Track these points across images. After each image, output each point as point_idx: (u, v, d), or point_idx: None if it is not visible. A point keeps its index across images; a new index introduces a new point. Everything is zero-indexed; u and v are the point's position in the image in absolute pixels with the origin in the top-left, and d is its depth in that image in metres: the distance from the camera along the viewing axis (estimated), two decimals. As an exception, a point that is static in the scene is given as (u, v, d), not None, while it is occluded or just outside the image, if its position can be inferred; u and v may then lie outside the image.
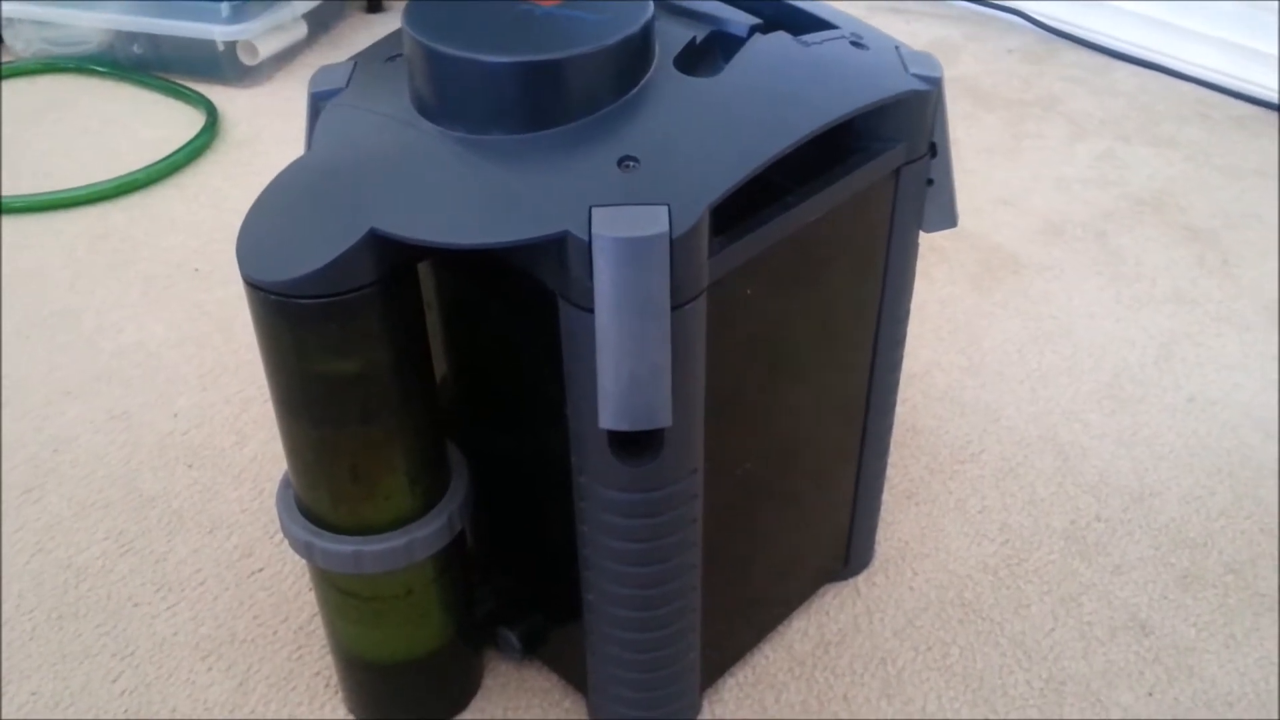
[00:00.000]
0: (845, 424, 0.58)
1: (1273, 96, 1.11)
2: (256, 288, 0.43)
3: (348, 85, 0.49)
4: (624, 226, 0.40)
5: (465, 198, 0.42)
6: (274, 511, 0.69)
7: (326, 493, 0.49)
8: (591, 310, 0.42)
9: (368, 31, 1.28)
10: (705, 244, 0.42)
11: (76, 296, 0.87)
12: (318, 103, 0.49)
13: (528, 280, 0.44)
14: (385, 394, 0.46)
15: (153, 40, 1.14)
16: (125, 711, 0.58)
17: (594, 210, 0.40)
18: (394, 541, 0.49)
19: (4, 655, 0.61)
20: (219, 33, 1.11)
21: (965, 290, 0.87)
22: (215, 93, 1.13)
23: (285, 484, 0.52)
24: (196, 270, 0.91)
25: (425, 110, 0.45)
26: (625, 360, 0.41)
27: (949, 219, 0.53)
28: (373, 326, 0.44)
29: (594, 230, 0.40)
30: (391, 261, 0.43)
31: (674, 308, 0.41)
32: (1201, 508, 0.69)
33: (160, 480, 0.72)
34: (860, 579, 0.65)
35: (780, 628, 0.62)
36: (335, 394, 0.45)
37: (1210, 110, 1.11)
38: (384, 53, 0.50)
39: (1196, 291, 0.87)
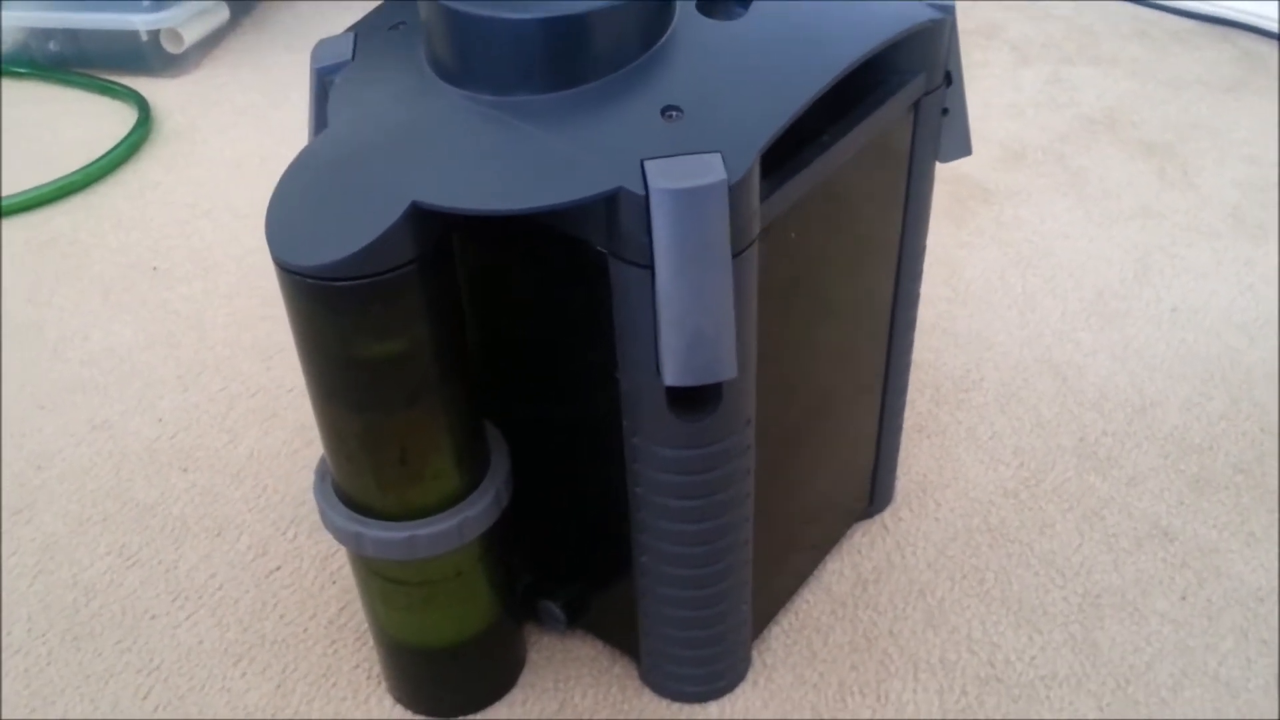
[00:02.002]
0: (870, 361, 0.58)
1: (1207, 9, 1.13)
2: (293, 273, 0.41)
3: (354, 57, 0.47)
4: (680, 177, 0.39)
5: (507, 162, 0.41)
6: (282, 507, 0.67)
7: (373, 480, 0.47)
8: (647, 266, 0.41)
9: (290, 11, 1.24)
10: (757, 189, 0.41)
11: (34, 307, 0.83)
12: (324, 78, 0.47)
13: (568, 242, 0.43)
14: (430, 372, 0.45)
15: (71, 35, 1.09)
16: (164, 727, 0.56)
17: (646, 163, 0.39)
18: (446, 523, 0.48)
19: (24, 682, 0.58)
20: (141, 22, 1.06)
21: (940, 223, 0.87)
22: (143, 85, 1.09)
23: (322, 475, 0.50)
24: (155, 269, 0.87)
25: (447, 75, 0.43)
26: (690, 314, 0.41)
27: (964, 147, 0.53)
28: (416, 304, 0.43)
29: (650, 183, 0.39)
30: (433, 235, 0.42)
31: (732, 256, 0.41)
32: (1201, 414, 0.70)
33: (156, 487, 0.69)
34: (886, 515, 0.65)
35: (816, 571, 0.62)
36: (380, 377, 0.44)
37: (1147, 27, 1.13)
38: (384, 22, 0.49)
39: (1162, 204, 0.88)
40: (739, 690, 0.57)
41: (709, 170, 0.39)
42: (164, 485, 0.69)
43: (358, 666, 0.59)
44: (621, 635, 0.58)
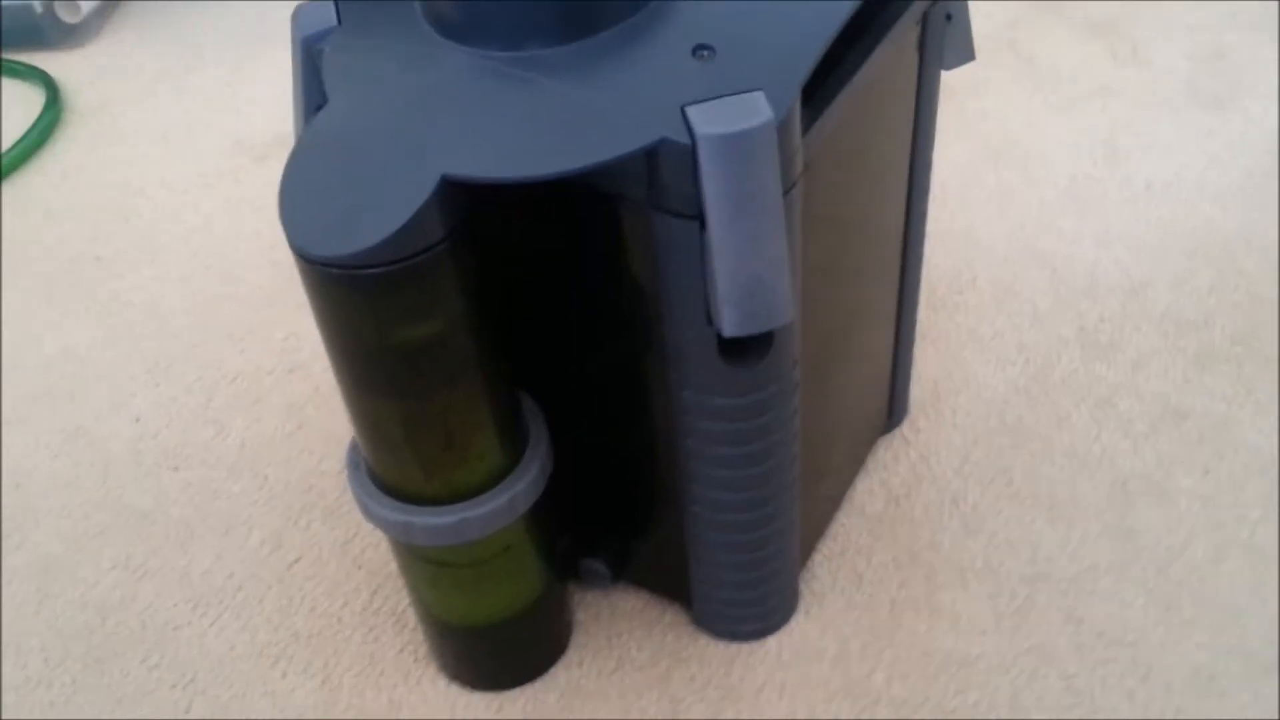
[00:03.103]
0: (888, 278, 0.57)
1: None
2: (317, 263, 0.39)
3: (340, 22, 0.43)
4: (726, 121, 0.37)
5: (535, 123, 0.38)
6: (288, 496, 0.65)
7: (418, 467, 0.45)
8: (693, 217, 0.39)
9: (184, -35, 1.16)
10: (799, 125, 0.39)
11: (-25, 316, 0.79)
12: (310, 47, 0.43)
13: (601, 197, 0.41)
14: (468, 350, 0.43)
15: (-44, 15, 1.02)
16: (213, 740, 0.54)
17: (688, 109, 0.37)
18: (496, 501, 0.46)
19: (55, 714, 0.56)
20: (32, -7, 0.99)
21: (902, 122, 0.86)
22: (43, 60, 1.02)
23: (354, 465, 0.48)
24: (98, 259, 0.83)
25: (454, 34, 0.41)
26: (745, 262, 0.39)
27: (968, 53, 0.52)
28: (451, 283, 0.40)
29: (696, 130, 0.37)
30: (462, 208, 0.39)
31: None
32: (1190, 290, 0.71)
33: (149, 491, 0.66)
34: (904, 428, 0.65)
35: (847, 493, 0.62)
36: (418, 361, 0.42)
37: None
38: (363, -21, 0.45)
39: (1118, 83, 0.88)
40: (793, 622, 0.56)
41: (755, 110, 0.37)
42: (157, 488, 0.66)
43: (402, 650, 0.57)
44: (668, 583, 0.57)
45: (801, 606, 0.57)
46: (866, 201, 0.51)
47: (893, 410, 0.64)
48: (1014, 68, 0.91)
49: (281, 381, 0.72)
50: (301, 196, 0.39)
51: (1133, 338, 0.69)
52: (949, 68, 0.52)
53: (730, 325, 0.40)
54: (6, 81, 1.01)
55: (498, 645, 0.54)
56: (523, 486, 0.47)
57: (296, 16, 0.44)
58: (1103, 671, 0.53)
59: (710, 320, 0.41)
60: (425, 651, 0.57)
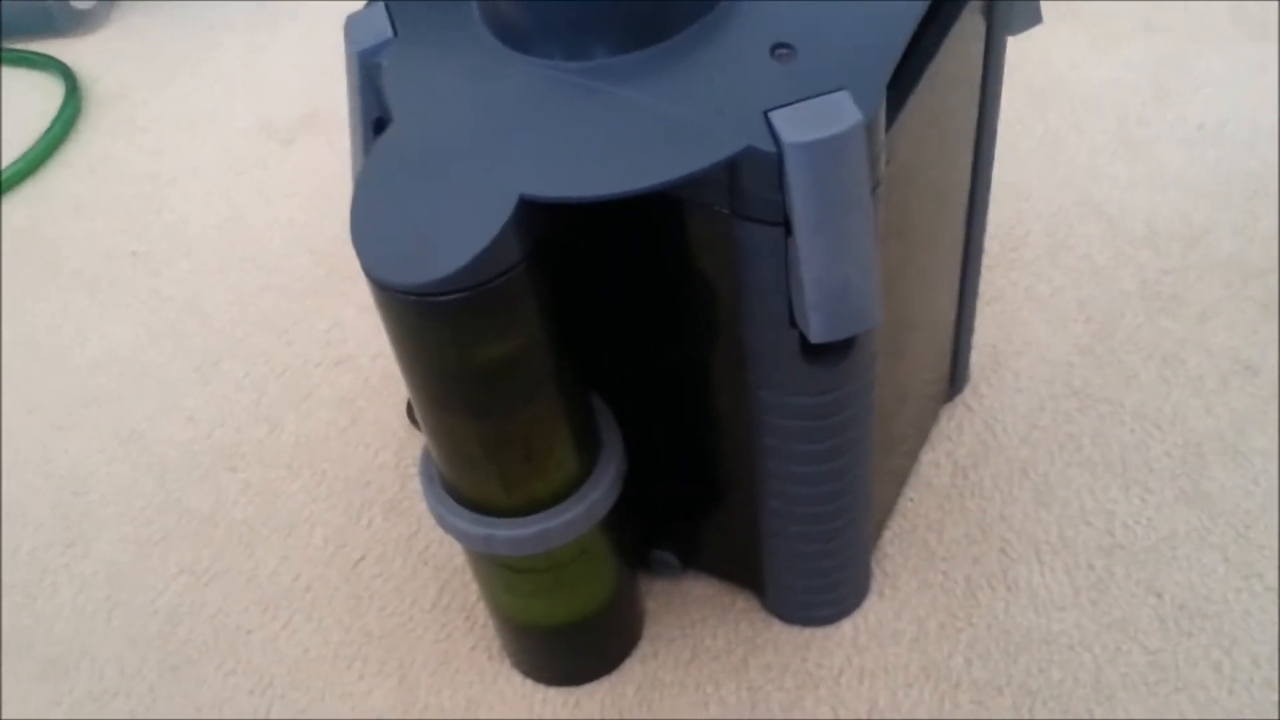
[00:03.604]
0: (954, 242, 0.55)
1: None
2: (394, 290, 0.38)
3: (396, 33, 0.42)
4: (813, 126, 0.36)
5: (612, 136, 0.37)
6: (347, 493, 0.64)
7: (498, 482, 0.44)
8: (777, 224, 0.38)
9: (190, -66, 1.14)
10: (883, 123, 0.38)
11: (15, 318, 0.78)
12: (367, 61, 0.42)
13: (679, 205, 0.39)
14: (545, 366, 0.42)
15: (-35, 4, 0.99)
16: (296, 747, 0.55)
17: (772, 115, 0.36)
18: (575, 509, 0.46)
19: (134, 728, 0.56)
20: (42, -22, 0.97)
21: (942, 70, 0.84)
22: (56, 49, 1.00)
23: (429, 477, 0.47)
24: (134, 254, 0.82)
25: (518, 44, 0.39)
26: (834, 268, 0.38)
27: (1035, 16, 0.50)
28: (529, 302, 0.39)
29: (782, 138, 0.35)
30: (539, 227, 0.38)
31: (867, 197, 0.38)
32: (1253, 235, 0.69)
33: (208, 494, 0.66)
34: (967, 396, 0.64)
35: (913, 468, 0.61)
36: (496, 381, 0.41)
37: None
38: (413, -18, 0.43)
39: (1161, 17, 0.86)
40: (867, 604, 0.56)
41: (841, 113, 0.36)
42: (216, 490, 0.66)
43: (475, 647, 0.57)
44: (738, 570, 0.56)
45: (875, 587, 0.57)
46: (936, 173, 0.49)
47: (955, 377, 0.63)
48: (1054, 5, 0.88)
49: (330, 374, 0.71)
50: (373, 221, 0.38)
51: (1196, 288, 0.67)
52: (1016, 33, 0.50)
53: (818, 332, 0.39)
54: (22, 72, 0.99)
55: (574, 643, 0.54)
56: (600, 493, 0.46)
57: (349, 29, 0.43)
58: (1187, 645, 0.53)
59: (793, 323, 0.40)
60: (498, 648, 0.57)
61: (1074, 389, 0.63)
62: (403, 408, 0.68)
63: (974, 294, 0.60)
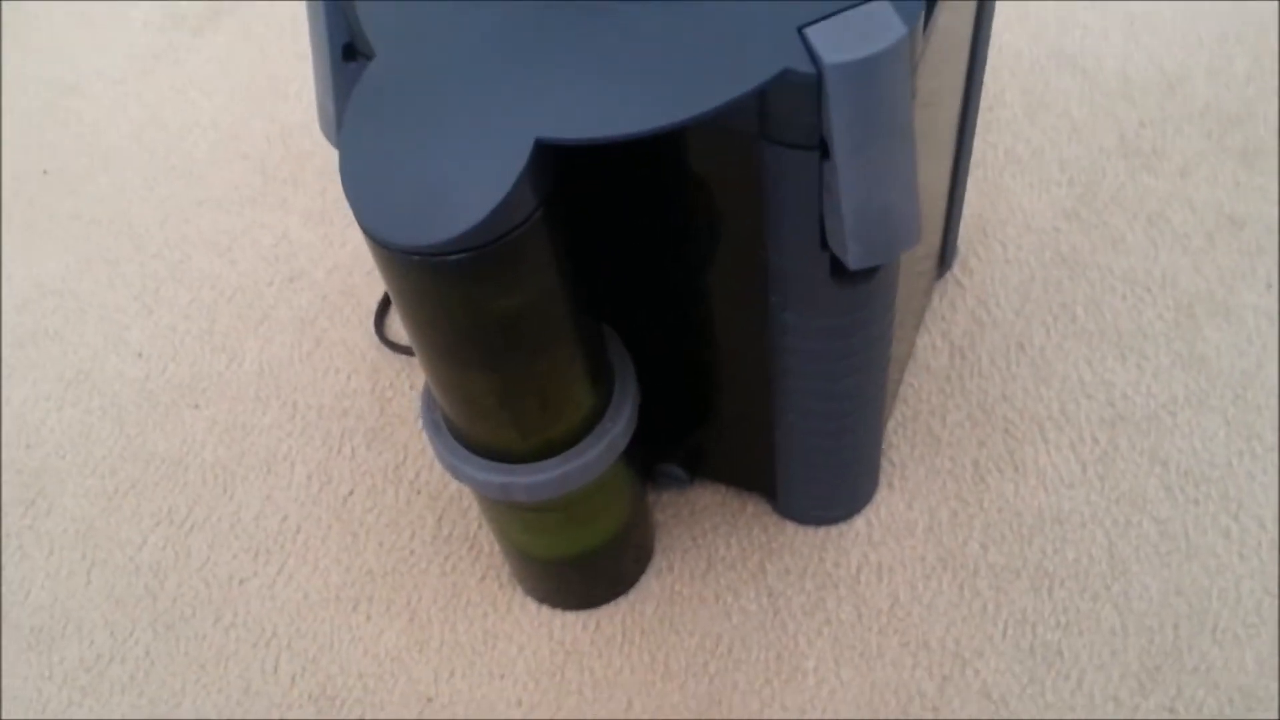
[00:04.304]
0: (951, 118, 0.53)
1: None
2: (401, 251, 0.34)
3: (362, -48, 0.37)
4: (853, 42, 0.32)
5: (629, 64, 0.33)
6: (323, 423, 0.61)
7: (515, 430, 0.42)
8: (812, 148, 0.35)
9: None
10: (923, 29, 0.35)
11: (-74, 256, 0.72)
12: (331, -14, 0.37)
13: (700, 130, 0.36)
14: (562, 310, 0.39)
15: None
16: (313, 697, 0.53)
17: (807, 32, 0.33)
18: (594, 449, 0.43)
19: (137, 692, 0.54)
20: None
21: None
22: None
23: (435, 426, 0.44)
24: (45, 172, 0.75)
25: (511, -39, 0.35)
26: (876, 194, 0.35)
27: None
28: (545, 250, 0.36)
29: (821, 58, 0.32)
30: (556, 170, 0.35)
31: (906, 112, 0.35)
32: (1229, 81, 0.68)
33: (173, 435, 0.62)
34: (956, 271, 0.62)
35: (911, 352, 0.60)
36: (511, 332, 0.38)
37: None
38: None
39: None
40: (877, 497, 0.55)
41: (884, 25, 0.32)
42: (181, 430, 0.62)
43: (483, 577, 0.56)
44: (747, 475, 0.55)
45: (884, 479, 0.56)
46: (945, 44, 0.46)
47: (945, 253, 0.61)
48: None
49: (284, 294, 0.67)
50: (367, 171, 0.34)
51: (1175, 140, 0.66)
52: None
53: (857, 259, 0.37)
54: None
55: (590, 569, 0.52)
56: (619, 428, 0.44)
57: (304, -53, 0.38)
58: (1195, 512, 0.53)
59: (824, 245, 0.38)
60: (508, 575, 0.55)
61: (1063, 256, 0.62)
62: (369, 324, 0.65)
63: (967, 164, 0.58)
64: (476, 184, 0.33)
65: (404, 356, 0.63)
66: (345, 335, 0.65)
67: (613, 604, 0.54)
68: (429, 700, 0.52)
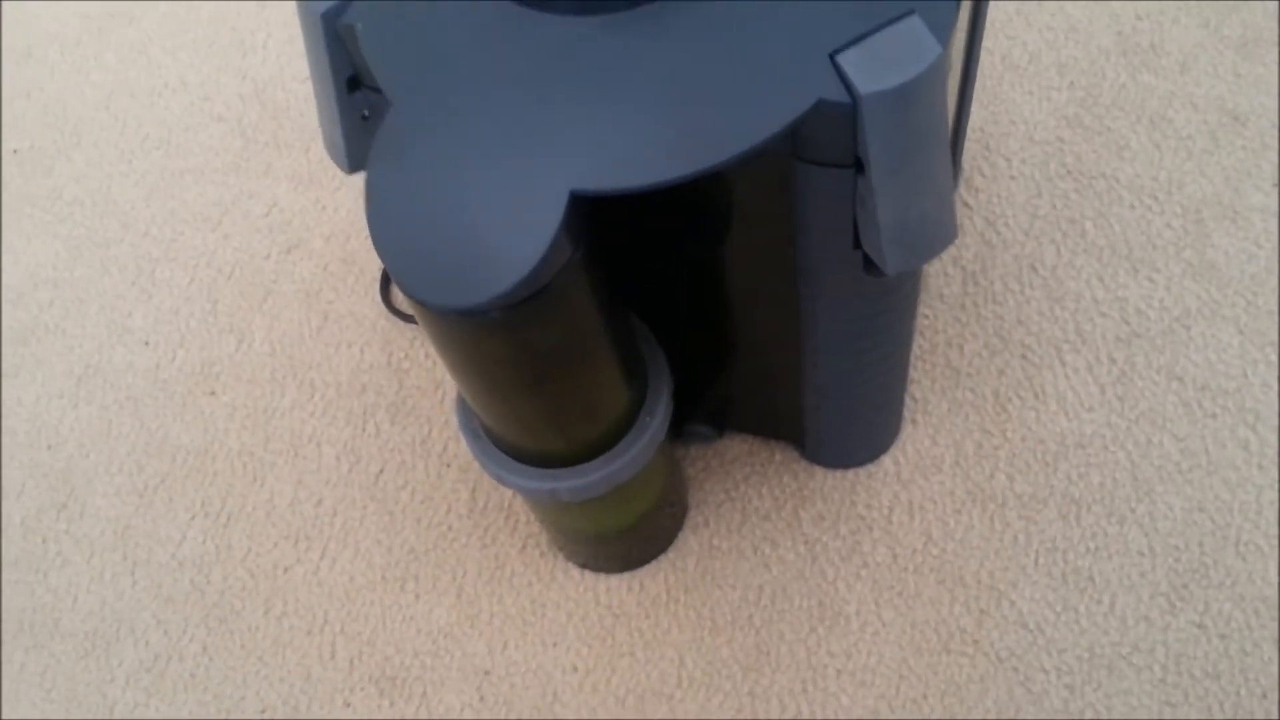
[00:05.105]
0: (960, 59, 0.52)
1: None
2: (444, 310, 0.34)
3: (361, -14, 0.35)
4: (888, 68, 0.31)
5: (661, 105, 0.32)
6: (344, 400, 0.61)
7: (560, 440, 0.42)
8: (847, 166, 0.34)
9: None
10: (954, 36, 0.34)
11: (-92, 255, 0.70)
12: (334, 23, 0.35)
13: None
14: (600, 331, 0.39)
15: None
16: (374, 679, 0.55)
17: (839, 59, 0.32)
18: (636, 446, 0.44)
19: (202, 686, 0.56)
20: None
21: None
22: None
23: (474, 433, 0.45)
24: (14, 152, 0.73)
25: (527, -1, 0.33)
26: (914, 205, 0.35)
27: None
28: (583, 288, 0.36)
29: (856, 87, 0.31)
30: (590, 215, 0.34)
31: (940, 119, 0.34)
32: (1224, -41, 0.66)
33: (194, 425, 0.62)
34: (962, 191, 0.62)
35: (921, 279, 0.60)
36: (551, 360, 0.38)
37: None
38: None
39: None
40: (903, 435, 0.56)
41: (917, 45, 0.32)
42: (202, 419, 0.62)
43: (524, 546, 0.57)
44: (774, 426, 0.56)
45: (907, 415, 0.57)
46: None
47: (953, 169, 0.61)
48: None
49: (283, 266, 0.66)
50: (399, 226, 0.34)
51: (1173, 33, 0.64)
52: None
53: (895, 264, 0.37)
54: None
55: (629, 536, 0.53)
56: (657, 422, 0.44)
57: (297, -18, 0.36)
58: (1213, 426, 0.54)
59: (857, 245, 0.38)
60: (547, 542, 0.56)
61: (1068, 168, 0.62)
62: (374, 293, 0.64)
63: (974, 77, 0.57)
64: (513, 241, 0.33)
65: (415, 326, 0.63)
66: (352, 306, 0.64)
67: (654, 563, 0.55)
68: (486, 673, 0.54)
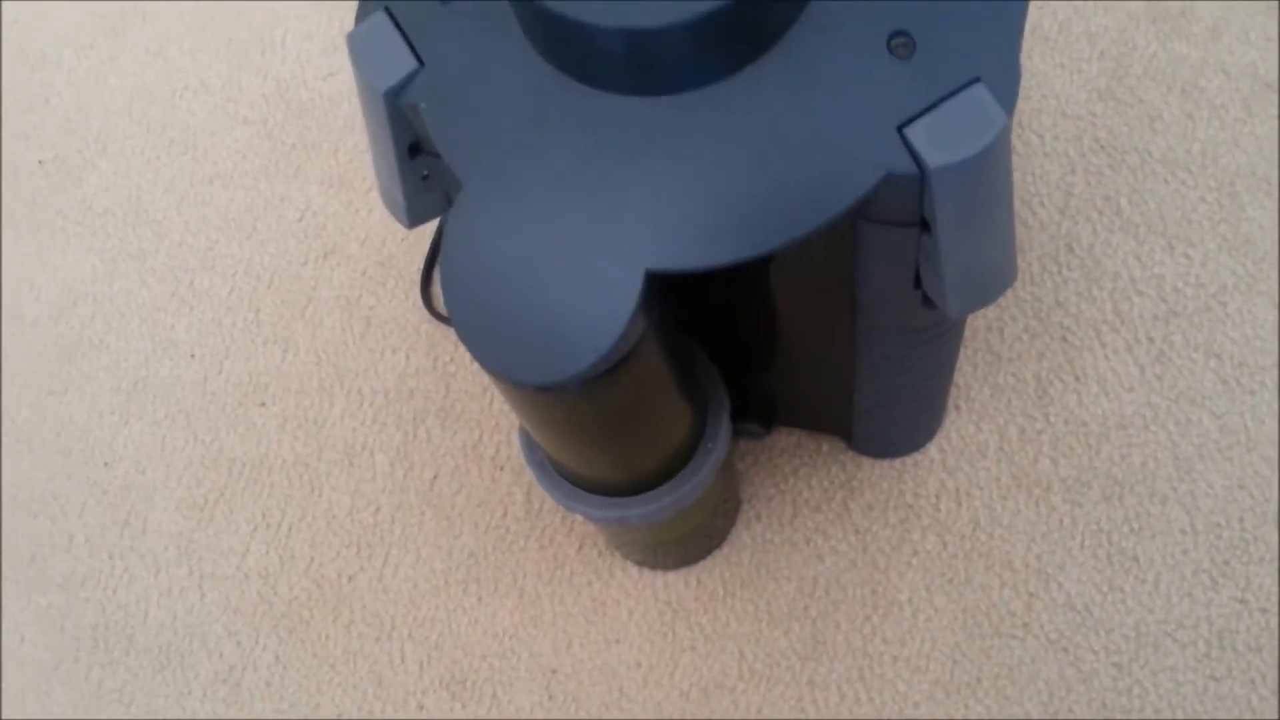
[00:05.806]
0: None
1: None
2: (524, 387, 0.35)
3: (422, 63, 0.35)
4: (955, 140, 0.32)
5: (731, 183, 0.33)
6: (393, 407, 0.62)
7: (629, 474, 0.44)
8: (913, 225, 0.35)
9: None
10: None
11: (-54, 274, 0.70)
12: (395, 100, 0.36)
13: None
14: (672, 383, 0.40)
15: None
16: (445, 683, 0.57)
17: (907, 132, 0.32)
18: (701, 471, 0.45)
19: (279, 695, 0.58)
20: None
21: None
22: None
23: (540, 466, 0.46)
24: (40, 163, 0.73)
25: (596, 80, 0.33)
26: (979, 256, 0.35)
27: None
28: (656, 352, 0.37)
29: (925, 160, 0.32)
30: (663, 291, 0.35)
31: (1003, 173, 0.35)
32: (1252, -85, 0.65)
33: (247, 437, 0.63)
34: (995, 171, 0.62)
35: (958, 265, 0.60)
36: (628, 414, 0.39)
37: None
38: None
39: None
40: (947, 422, 0.58)
41: (984, 116, 0.32)
42: (254, 431, 0.63)
43: (581, 546, 0.58)
44: (821, 419, 0.57)
45: (950, 402, 0.58)
46: None
47: (983, 158, 0.61)
48: None
49: (321, 272, 0.66)
50: (478, 306, 0.34)
51: (1202, -4, 0.64)
52: None
53: (956, 310, 0.37)
54: None
55: (688, 539, 0.55)
56: (719, 445, 0.46)
57: (358, 54, 0.36)
58: (1252, 403, 0.56)
59: (918, 285, 0.38)
60: (605, 543, 0.58)
61: (1101, 143, 0.62)
62: (414, 296, 0.65)
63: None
64: (591, 320, 0.33)
65: (458, 329, 0.63)
66: (394, 311, 0.65)
67: (709, 559, 0.57)
68: (553, 672, 0.56)
